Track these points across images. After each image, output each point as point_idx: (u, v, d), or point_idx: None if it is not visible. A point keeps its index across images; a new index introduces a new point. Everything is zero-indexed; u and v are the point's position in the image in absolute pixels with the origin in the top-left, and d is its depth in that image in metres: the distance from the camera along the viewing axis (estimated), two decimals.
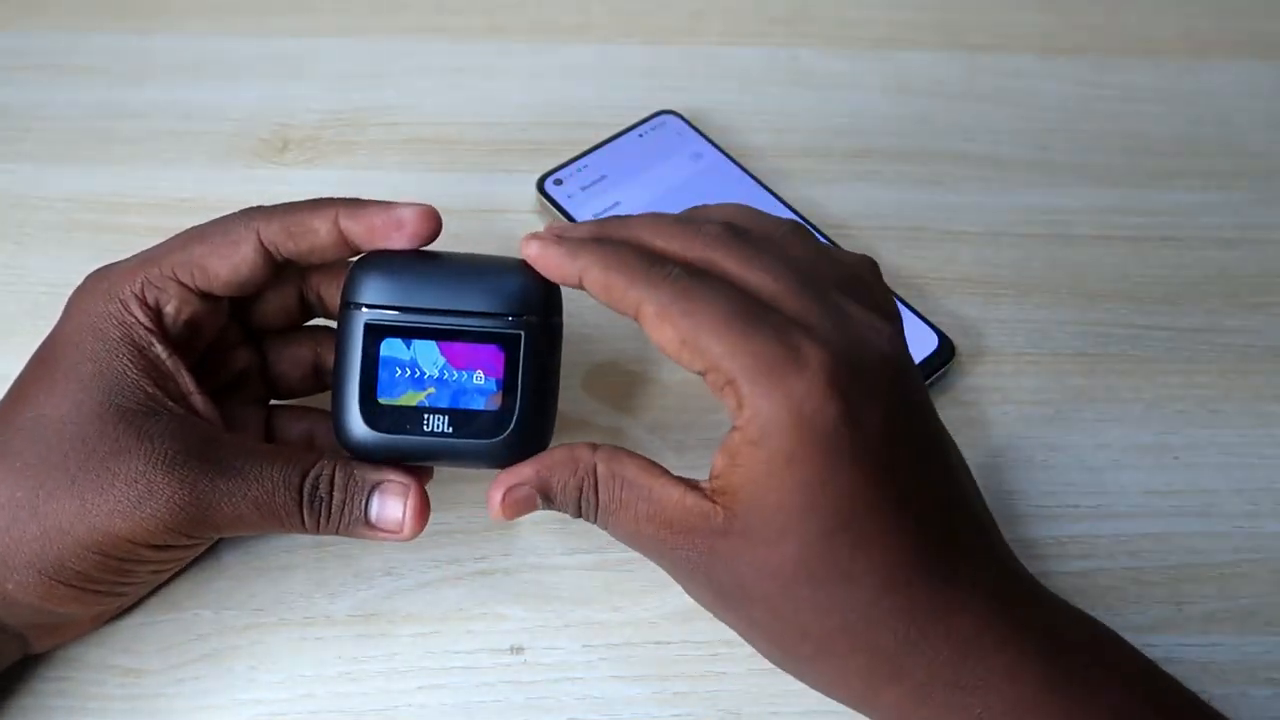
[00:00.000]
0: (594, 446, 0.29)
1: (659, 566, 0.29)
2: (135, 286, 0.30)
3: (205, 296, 0.31)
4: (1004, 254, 0.46)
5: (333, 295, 0.34)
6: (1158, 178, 0.50)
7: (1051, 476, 0.39)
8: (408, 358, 0.29)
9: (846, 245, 0.44)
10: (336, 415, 0.30)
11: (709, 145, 0.48)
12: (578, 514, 0.29)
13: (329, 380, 0.35)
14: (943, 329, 0.42)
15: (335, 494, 0.30)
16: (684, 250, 0.28)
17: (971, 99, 0.53)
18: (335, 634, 0.34)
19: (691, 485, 0.27)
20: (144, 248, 0.32)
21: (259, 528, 0.30)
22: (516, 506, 0.29)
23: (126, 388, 0.29)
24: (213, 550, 0.35)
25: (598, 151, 0.47)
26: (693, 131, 0.49)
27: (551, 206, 0.45)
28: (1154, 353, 0.43)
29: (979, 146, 0.50)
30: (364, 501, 0.30)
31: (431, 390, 0.29)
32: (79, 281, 0.32)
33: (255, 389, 0.35)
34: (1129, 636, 0.35)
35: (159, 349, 0.30)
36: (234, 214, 0.31)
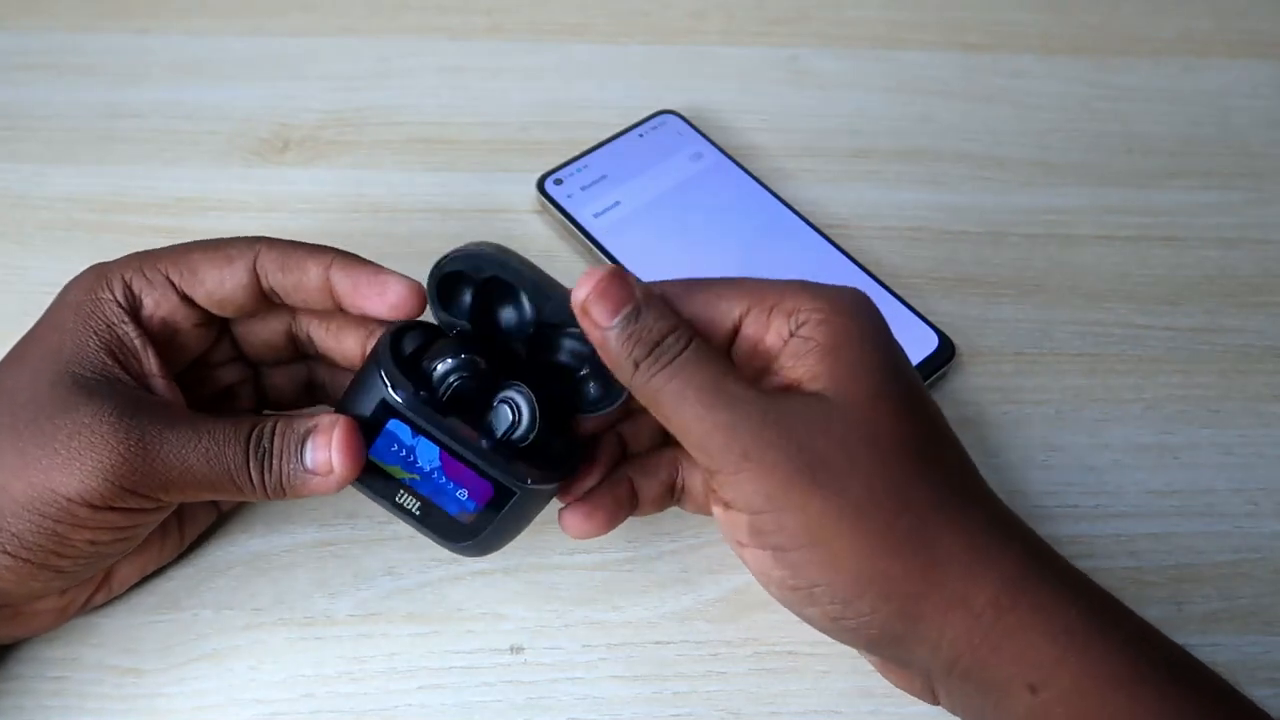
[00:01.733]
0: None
1: (712, 436, 0.26)
2: (126, 272, 0.31)
3: (189, 302, 0.31)
4: (1004, 254, 0.46)
5: (321, 337, 0.33)
6: (1158, 178, 0.50)
7: (1051, 476, 0.39)
8: (409, 443, 0.29)
9: (846, 245, 0.45)
10: None
11: (709, 145, 0.48)
12: (653, 350, 0.27)
13: (322, 396, 0.35)
14: (943, 329, 0.42)
15: (275, 442, 0.29)
16: None
17: (971, 99, 0.53)
18: (335, 634, 0.34)
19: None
20: (143, 248, 0.32)
21: (210, 485, 0.29)
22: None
23: (86, 358, 0.29)
24: (213, 550, 0.35)
25: (598, 151, 0.47)
26: (693, 131, 0.49)
27: (551, 206, 0.45)
28: (1154, 353, 0.43)
29: (979, 146, 0.50)
30: (298, 448, 0.29)
31: (417, 477, 0.30)
32: None
33: (247, 400, 0.35)
34: None
35: (128, 328, 0.30)
36: (244, 236, 0.32)
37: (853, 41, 0.55)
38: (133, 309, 0.30)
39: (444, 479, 0.29)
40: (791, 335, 0.28)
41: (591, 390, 0.31)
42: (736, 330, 0.29)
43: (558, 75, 0.52)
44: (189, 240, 0.32)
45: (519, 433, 0.29)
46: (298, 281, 0.31)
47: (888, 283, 0.43)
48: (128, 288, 0.31)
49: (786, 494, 0.26)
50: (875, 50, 0.55)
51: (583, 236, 0.44)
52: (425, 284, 0.31)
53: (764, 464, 0.26)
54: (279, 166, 0.48)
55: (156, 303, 0.31)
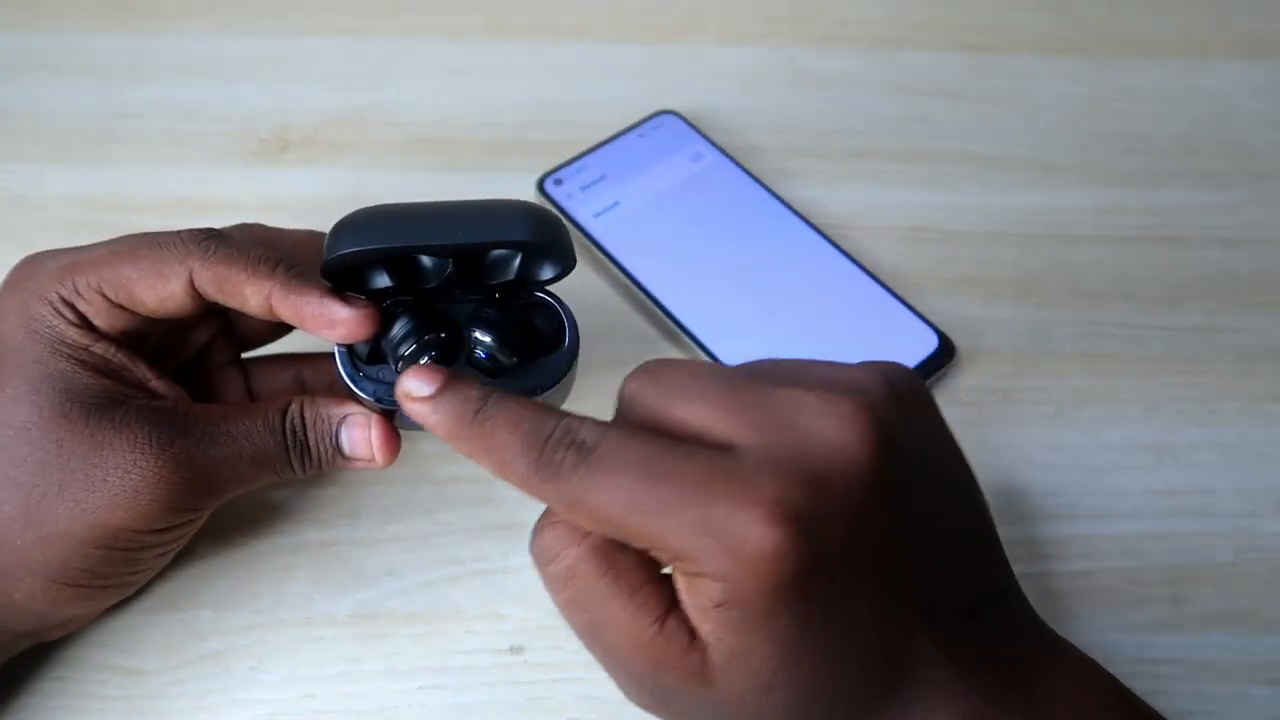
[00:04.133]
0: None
1: (599, 663, 0.25)
2: (64, 290, 0.29)
3: (134, 312, 0.30)
4: (1004, 254, 0.46)
5: None
6: (1158, 178, 0.50)
7: (1051, 476, 0.39)
8: None
9: (846, 245, 0.45)
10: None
11: (709, 145, 0.48)
12: (537, 548, 0.25)
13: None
14: (943, 329, 0.42)
15: (308, 432, 0.30)
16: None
17: (971, 99, 0.53)
18: (335, 634, 0.34)
19: (672, 605, 0.23)
20: None
21: (256, 480, 0.30)
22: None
23: (79, 386, 0.28)
24: (213, 550, 0.35)
25: (598, 151, 0.47)
26: (693, 131, 0.49)
27: (552, 206, 0.45)
28: (1154, 353, 0.43)
29: (979, 146, 0.50)
30: (333, 436, 0.30)
31: None
32: None
33: (224, 350, 0.35)
34: (1129, 636, 0.35)
35: (100, 347, 0.29)
36: (174, 239, 0.30)
37: (853, 41, 0.55)
38: (89, 330, 0.29)
39: None
40: (697, 598, 0.23)
41: (535, 272, 0.30)
42: None
43: (558, 75, 0.52)
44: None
45: (503, 363, 0.29)
46: (239, 305, 0.29)
47: (888, 283, 0.43)
48: (72, 308, 0.29)
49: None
50: (875, 50, 0.55)
51: (582, 237, 0.44)
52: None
53: (647, 712, 0.25)
54: (279, 166, 0.48)
55: (108, 322, 0.29)
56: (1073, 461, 0.39)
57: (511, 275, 0.30)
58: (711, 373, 0.24)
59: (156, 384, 0.30)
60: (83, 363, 0.29)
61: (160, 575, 0.35)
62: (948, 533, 0.25)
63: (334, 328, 0.29)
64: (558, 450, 0.23)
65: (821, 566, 0.22)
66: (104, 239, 0.31)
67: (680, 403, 0.23)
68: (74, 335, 0.29)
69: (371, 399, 0.29)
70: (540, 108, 0.51)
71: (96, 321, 0.29)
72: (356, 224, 0.29)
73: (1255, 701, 0.34)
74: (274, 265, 0.29)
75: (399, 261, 0.30)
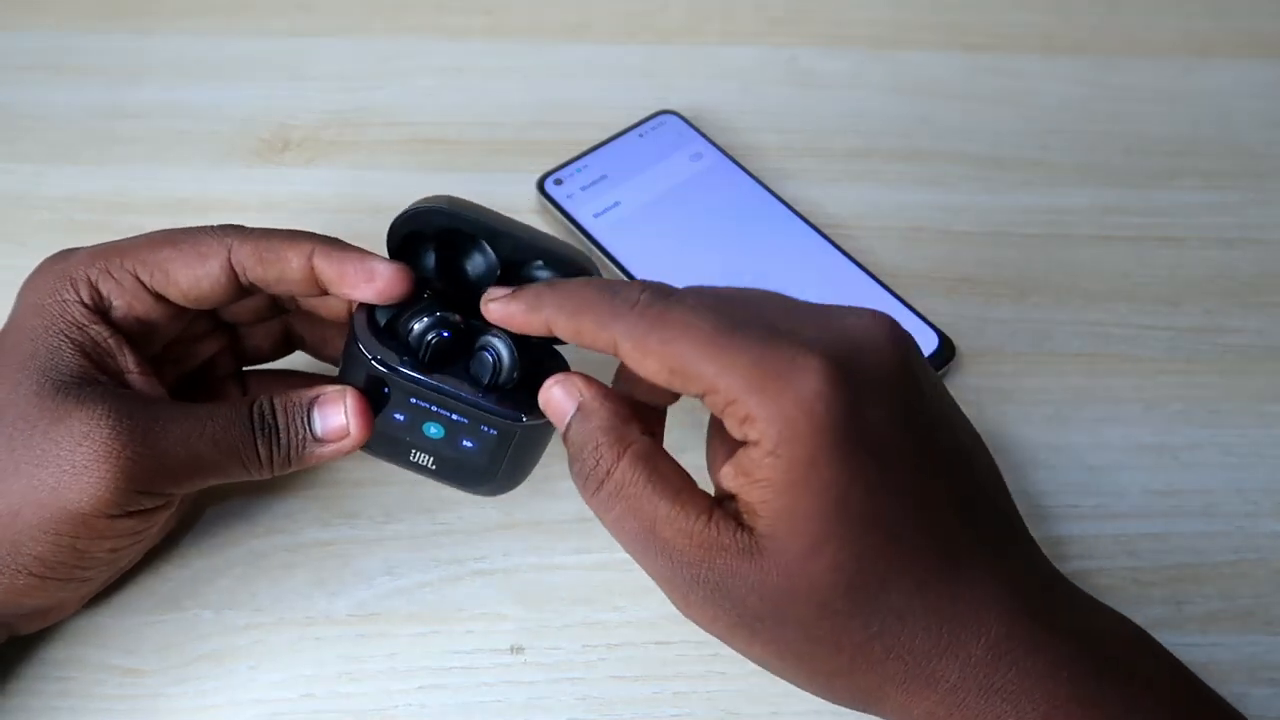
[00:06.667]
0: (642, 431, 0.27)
1: (654, 578, 0.26)
2: (91, 272, 0.30)
3: (162, 299, 0.30)
4: (1004, 254, 0.46)
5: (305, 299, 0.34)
6: (1158, 178, 0.50)
7: (1051, 476, 0.39)
8: (409, 405, 0.31)
9: (846, 245, 0.45)
10: None
11: (709, 145, 0.48)
12: (582, 473, 0.27)
13: (299, 345, 0.36)
14: (943, 329, 0.42)
15: (279, 416, 0.30)
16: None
17: (971, 99, 0.53)
18: (335, 634, 0.34)
19: (716, 502, 0.26)
20: None
21: (217, 469, 0.29)
22: (549, 407, 0.28)
23: (61, 363, 0.28)
24: (213, 550, 0.35)
25: (598, 151, 0.47)
26: (693, 131, 0.49)
27: (551, 206, 0.45)
28: (1154, 353, 0.43)
29: (979, 146, 0.50)
30: (305, 418, 0.30)
31: (423, 436, 0.31)
32: None
33: (226, 366, 0.35)
34: None
35: (100, 328, 0.29)
36: (213, 226, 0.31)
37: (853, 41, 0.55)
38: (100, 309, 0.30)
39: (447, 433, 0.31)
40: (746, 445, 0.25)
41: None
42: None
43: (558, 75, 0.52)
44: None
45: (503, 376, 0.30)
46: (279, 274, 0.30)
47: (888, 283, 0.43)
48: (94, 289, 0.30)
49: (729, 638, 0.26)
50: (875, 50, 0.55)
51: (583, 237, 0.44)
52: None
53: (703, 617, 0.26)
54: (279, 166, 0.48)
55: (129, 304, 0.30)
56: (1073, 461, 0.39)
57: None
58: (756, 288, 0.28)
59: (135, 376, 0.30)
60: (72, 340, 0.29)
61: (160, 575, 0.35)
62: (972, 450, 0.28)
63: (371, 282, 0.30)
64: (634, 291, 0.26)
65: (869, 424, 0.24)
66: (104, 239, 0.31)
67: (731, 293, 0.27)
68: (76, 313, 0.29)
69: (373, 359, 0.30)
70: (540, 108, 0.51)
71: (117, 302, 0.30)
72: (438, 197, 0.30)
73: (1255, 701, 0.34)
74: (311, 234, 0.31)
75: (451, 251, 0.31)
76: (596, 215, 0.45)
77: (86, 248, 0.31)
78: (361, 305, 0.31)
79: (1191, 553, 0.37)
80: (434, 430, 0.31)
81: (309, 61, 0.52)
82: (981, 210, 0.48)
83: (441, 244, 0.31)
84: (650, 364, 0.25)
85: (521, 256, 0.31)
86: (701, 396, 0.25)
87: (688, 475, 0.26)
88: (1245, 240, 0.47)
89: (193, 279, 0.30)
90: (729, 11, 0.56)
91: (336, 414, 0.30)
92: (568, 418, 0.28)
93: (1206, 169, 0.50)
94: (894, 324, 0.26)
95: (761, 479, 0.24)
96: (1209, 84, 0.54)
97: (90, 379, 0.29)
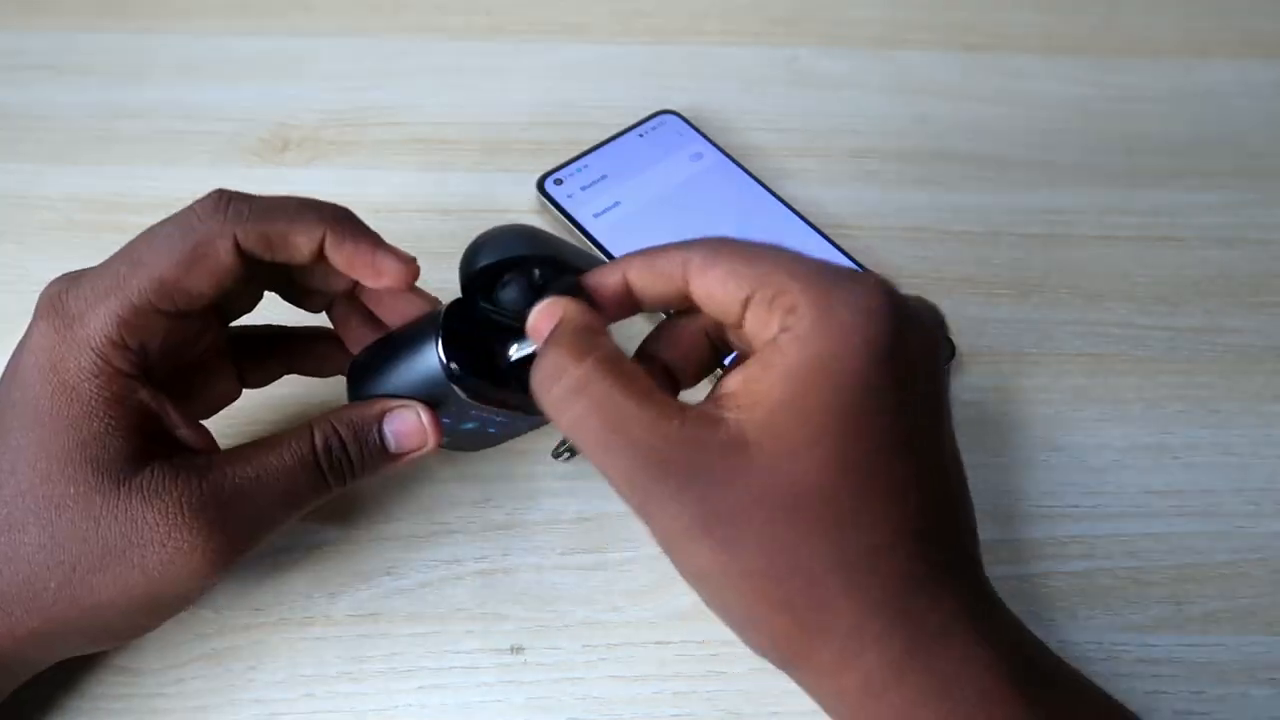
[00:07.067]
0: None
1: (613, 479, 0.25)
2: (110, 331, 0.28)
3: (177, 315, 0.29)
4: (1004, 254, 0.46)
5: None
6: (1158, 178, 0.50)
7: (1051, 476, 0.39)
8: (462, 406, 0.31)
9: (846, 245, 0.45)
10: None
11: (709, 145, 0.48)
12: (540, 374, 0.26)
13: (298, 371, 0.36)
14: None
15: (349, 446, 0.30)
16: None
17: (971, 99, 0.53)
18: (335, 634, 0.34)
19: (689, 406, 0.25)
20: None
21: (291, 518, 0.30)
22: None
23: (114, 448, 0.27)
24: None
25: (598, 151, 0.47)
26: (693, 131, 0.49)
27: (551, 206, 0.45)
28: (1154, 353, 0.43)
29: (979, 146, 0.50)
30: (376, 437, 0.31)
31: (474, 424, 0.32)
32: None
33: (216, 340, 0.34)
34: (1129, 636, 0.35)
35: (141, 394, 0.28)
36: (194, 217, 0.29)
37: (853, 41, 0.55)
38: (135, 365, 0.28)
39: (479, 425, 0.32)
40: (778, 333, 0.25)
41: None
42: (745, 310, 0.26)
43: (558, 75, 0.52)
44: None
45: (512, 310, 0.30)
46: (289, 257, 0.30)
47: None
48: (123, 348, 0.28)
49: (682, 543, 0.24)
50: (875, 50, 0.55)
51: (583, 236, 0.44)
52: (459, 276, 0.32)
53: (663, 515, 0.24)
54: (279, 166, 0.48)
55: (151, 336, 0.28)
56: (1073, 461, 0.39)
57: None
58: None
59: (184, 431, 0.30)
60: (117, 420, 0.28)
61: None
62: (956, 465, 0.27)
63: (379, 277, 0.30)
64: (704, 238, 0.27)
65: (904, 352, 0.24)
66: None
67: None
68: (115, 387, 0.28)
69: (458, 388, 0.29)
70: (540, 108, 0.51)
71: (151, 344, 0.28)
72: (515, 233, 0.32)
73: (1255, 701, 0.34)
74: (320, 206, 0.30)
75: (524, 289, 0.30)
76: (596, 215, 0.45)
77: (84, 292, 0.28)
78: (440, 315, 0.30)
79: (1191, 553, 0.37)
80: (469, 425, 0.31)
81: (309, 61, 0.52)
82: (981, 210, 0.48)
83: (511, 275, 0.30)
84: (716, 270, 0.26)
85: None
86: (748, 300, 0.25)
87: (650, 379, 0.26)
88: (1245, 240, 0.47)
89: (213, 284, 0.29)
90: (729, 11, 0.56)
91: (411, 422, 0.31)
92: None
93: (1206, 169, 0.50)
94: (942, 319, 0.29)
95: (778, 363, 0.24)
96: (1209, 84, 0.54)
97: (145, 456, 0.28)
